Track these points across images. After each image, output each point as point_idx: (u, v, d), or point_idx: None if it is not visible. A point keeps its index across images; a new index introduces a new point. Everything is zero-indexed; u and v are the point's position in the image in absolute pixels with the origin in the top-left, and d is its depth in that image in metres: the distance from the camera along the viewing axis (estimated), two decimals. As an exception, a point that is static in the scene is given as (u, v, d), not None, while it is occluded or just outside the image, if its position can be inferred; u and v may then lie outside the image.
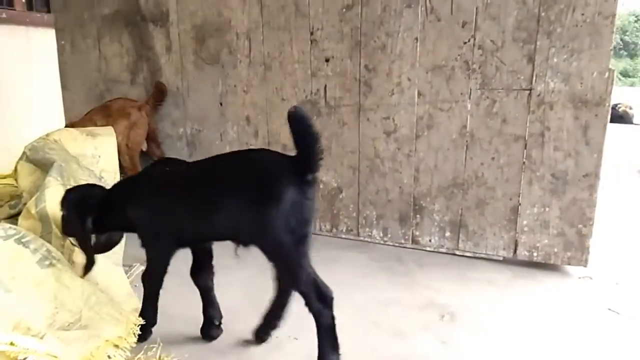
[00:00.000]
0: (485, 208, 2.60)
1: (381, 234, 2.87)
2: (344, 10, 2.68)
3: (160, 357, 1.75)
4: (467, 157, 2.58)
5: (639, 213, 3.59)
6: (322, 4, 2.72)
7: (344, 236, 2.97)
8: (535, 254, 2.55)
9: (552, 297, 2.28)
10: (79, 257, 2.06)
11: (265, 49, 2.92)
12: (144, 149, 3.29)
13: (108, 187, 1.96)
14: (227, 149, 3.10)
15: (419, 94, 2.62)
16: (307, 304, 1.57)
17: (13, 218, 2.44)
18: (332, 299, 1.59)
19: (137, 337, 1.78)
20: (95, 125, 3.00)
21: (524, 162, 2.48)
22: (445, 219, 2.70)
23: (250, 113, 3.06)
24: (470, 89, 2.51)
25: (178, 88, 3.24)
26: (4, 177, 3.33)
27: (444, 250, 2.75)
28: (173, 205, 1.70)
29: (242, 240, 1.63)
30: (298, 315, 2.06)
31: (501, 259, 2.63)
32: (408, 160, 2.71)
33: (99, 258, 2.11)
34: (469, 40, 2.47)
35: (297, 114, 1.48)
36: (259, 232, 1.55)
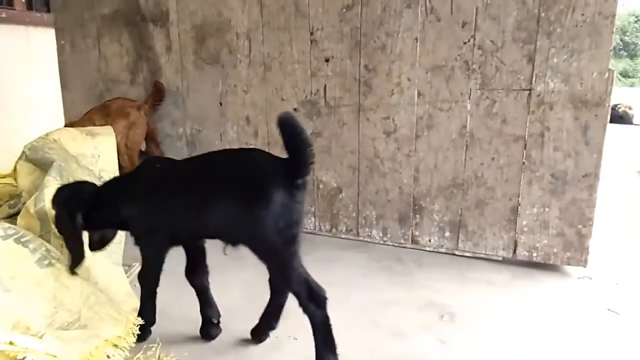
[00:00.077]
0: (485, 208, 2.60)
1: (381, 234, 2.87)
2: (344, 10, 2.68)
3: (159, 356, 1.75)
4: (466, 157, 2.58)
5: (638, 213, 3.59)
6: (322, 4, 2.72)
7: (343, 236, 2.97)
8: (534, 254, 2.55)
9: (551, 297, 2.28)
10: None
11: (265, 49, 2.92)
12: (143, 149, 3.28)
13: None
14: (227, 149, 3.10)
15: (419, 94, 2.62)
16: (300, 304, 1.58)
17: (12, 217, 2.44)
18: (325, 299, 1.59)
19: (137, 337, 1.79)
20: (94, 125, 3.00)
21: (523, 163, 2.48)
22: (444, 219, 2.70)
23: (250, 113, 3.06)
24: (470, 89, 2.51)
25: (178, 88, 3.24)
26: (4, 177, 3.33)
27: (443, 250, 2.74)
28: (165, 203, 1.71)
29: (231, 239, 1.65)
30: (297, 315, 2.06)
31: (501, 259, 2.63)
32: (408, 160, 2.71)
33: (99, 258, 2.11)
34: (468, 41, 2.47)
35: (286, 119, 1.48)
36: (248, 233, 1.56)
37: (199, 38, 3.10)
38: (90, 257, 2.07)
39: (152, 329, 1.90)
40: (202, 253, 1.89)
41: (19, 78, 4.40)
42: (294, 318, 2.02)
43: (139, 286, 1.88)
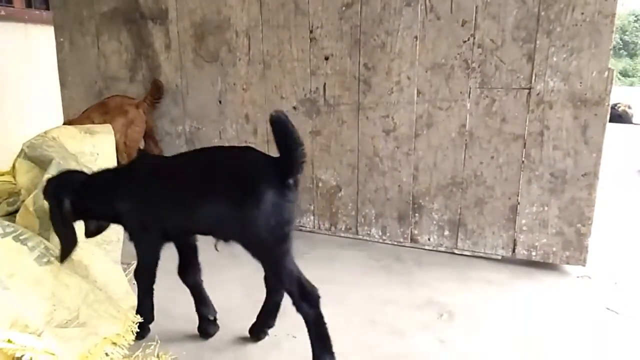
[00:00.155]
0: (484, 207, 2.60)
1: (380, 233, 2.87)
2: (344, 8, 2.68)
3: (158, 354, 1.75)
4: (466, 156, 2.58)
5: (638, 212, 3.59)
6: (322, 2, 2.71)
7: (342, 234, 2.97)
8: (533, 253, 2.55)
9: (550, 296, 2.28)
10: (80, 254, 2.05)
11: (265, 47, 2.92)
12: (142, 147, 3.28)
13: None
14: (226, 147, 3.10)
15: (419, 93, 2.62)
16: (293, 303, 1.60)
17: (11, 215, 2.43)
18: (318, 297, 1.60)
19: (135, 334, 1.79)
20: (93, 122, 2.99)
21: (523, 161, 2.48)
22: (444, 217, 2.70)
23: (250, 111, 3.05)
24: (470, 88, 2.51)
25: (177, 86, 3.24)
26: (2, 175, 3.32)
27: (442, 249, 2.75)
28: (157, 199, 1.71)
29: (223, 236, 1.65)
30: (296, 313, 2.06)
31: (500, 258, 2.63)
32: (407, 158, 2.71)
33: (98, 256, 2.11)
34: (468, 39, 2.47)
35: (279, 118, 1.49)
36: (240, 231, 1.57)
37: (199, 36, 3.09)
38: (89, 256, 2.07)
39: (151, 327, 1.91)
40: (194, 251, 1.90)
41: (18, 75, 4.40)
42: (293, 316, 2.02)
43: (136, 284, 1.88)
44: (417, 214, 2.76)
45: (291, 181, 1.56)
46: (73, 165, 2.38)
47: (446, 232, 2.71)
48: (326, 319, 2.03)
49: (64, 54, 3.59)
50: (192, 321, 1.97)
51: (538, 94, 2.39)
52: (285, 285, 1.60)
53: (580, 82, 2.31)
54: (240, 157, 1.66)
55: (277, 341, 1.87)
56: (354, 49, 2.70)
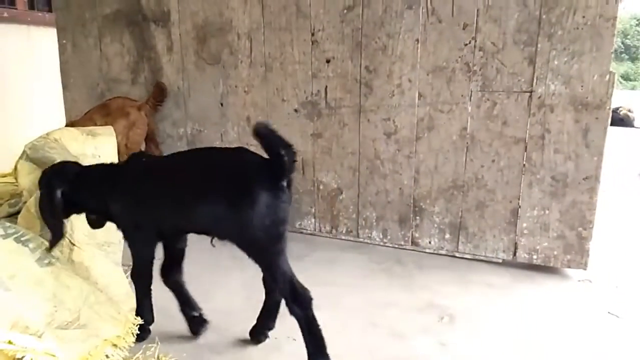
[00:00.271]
0: (485, 210, 2.59)
1: (381, 236, 2.87)
2: (345, 11, 2.69)
3: (158, 356, 1.75)
4: (467, 159, 2.58)
5: (639, 216, 3.58)
6: (323, 5, 2.72)
7: (343, 237, 2.97)
8: (534, 257, 2.54)
9: (551, 300, 2.28)
10: (81, 255, 2.06)
11: (266, 50, 2.92)
12: (143, 149, 3.28)
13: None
14: (228, 149, 3.10)
15: (420, 96, 2.62)
16: (286, 304, 1.61)
17: (13, 216, 2.44)
18: (310, 299, 1.62)
19: (136, 336, 1.78)
20: (95, 124, 2.99)
21: (524, 165, 2.48)
22: (445, 220, 2.70)
23: (251, 113, 3.06)
24: (471, 91, 2.51)
25: (179, 88, 3.25)
26: (4, 176, 3.33)
27: (443, 252, 2.74)
28: (151, 198, 1.72)
29: (218, 235, 1.67)
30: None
31: (501, 261, 2.63)
32: (408, 161, 2.71)
33: (99, 258, 2.11)
34: (469, 42, 2.47)
35: (261, 128, 1.51)
36: (235, 231, 1.58)
37: (200, 38, 3.10)
38: (91, 258, 2.07)
39: (152, 329, 1.91)
40: (181, 253, 1.92)
41: (21, 77, 4.41)
42: (293, 319, 2.02)
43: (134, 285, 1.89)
44: (418, 217, 2.76)
45: (284, 182, 1.58)
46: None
47: (447, 235, 2.71)
48: (326, 322, 2.03)
49: (67, 55, 3.60)
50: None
51: (539, 97, 2.39)
52: (279, 284, 1.62)
53: (582, 86, 2.31)
54: (234, 158, 1.68)
55: (278, 344, 1.87)
56: (356, 52, 2.71)
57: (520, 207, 2.52)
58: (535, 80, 2.38)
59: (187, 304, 1.93)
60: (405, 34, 2.58)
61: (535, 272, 2.53)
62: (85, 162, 2.54)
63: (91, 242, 2.14)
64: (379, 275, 2.52)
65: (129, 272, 2.25)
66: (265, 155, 1.58)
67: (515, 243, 2.57)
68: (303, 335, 1.61)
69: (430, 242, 2.76)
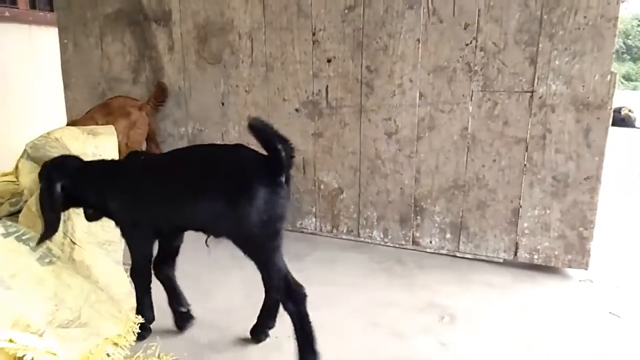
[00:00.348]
0: (486, 210, 2.59)
1: (382, 235, 2.87)
2: (346, 11, 2.69)
3: (159, 355, 1.75)
4: (468, 159, 2.58)
5: (640, 217, 3.58)
6: (325, 4, 2.72)
7: (344, 237, 2.97)
8: (535, 257, 2.54)
9: (552, 299, 2.28)
10: (82, 254, 2.06)
11: (267, 49, 2.93)
12: (144, 149, 3.29)
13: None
14: (229, 149, 3.10)
15: (421, 96, 2.62)
16: (280, 300, 1.64)
17: (14, 216, 2.44)
18: (304, 296, 1.63)
19: (137, 335, 1.79)
20: (96, 123, 2.99)
21: (525, 165, 2.48)
22: (445, 220, 2.70)
23: (252, 113, 3.05)
24: (472, 91, 2.51)
25: (180, 87, 3.25)
26: (5, 175, 3.33)
27: (444, 251, 2.74)
28: (149, 195, 1.73)
29: (214, 232, 1.67)
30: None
31: (502, 261, 2.63)
32: (409, 161, 2.71)
33: (100, 257, 2.11)
34: (471, 42, 2.47)
35: (256, 124, 1.52)
36: (232, 227, 1.59)
37: (202, 38, 3.10)
38: (92, 256, 2.08)
39: (152, 327, 1.91)
40: (177, 250, 1.93)
41: (22, 76, 4.42)
42: (294, 318, 2.02)
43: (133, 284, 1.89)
44: (418, 217, 2.76)
45: (282, 178, 1.58)
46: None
47: (448, 235, 2.71)
48: (327, 321, 2.03)
49: (68, 55, 3.60)
50: (194, 323, 1.97)
51: (540, 97, 2.39)
52: (274, 281, 1.63)
53: (583, 86, 2.31)
54: (232, 155, 1.69)
55: (278, 343, 1.87)
56: (357, 52, 2.71)
57: (521, 207, 2.52)
58: (536, 80, 2.38)
59: (176, 299, 1.95)
60: (407, 34, 2.58)
61: (536, 272, 2.53)
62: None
63: (92, 240, 2.14)
64: (380, 274, 2.52)
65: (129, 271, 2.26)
66: (263, 152, 1.58)
67: (516, 243, 2.57)
68: (295, 330, 1.63)
69: (431, 242, 2.76)
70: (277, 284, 1.62)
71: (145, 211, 1.75)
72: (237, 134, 3.12)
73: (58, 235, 2.01)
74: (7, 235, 1.71)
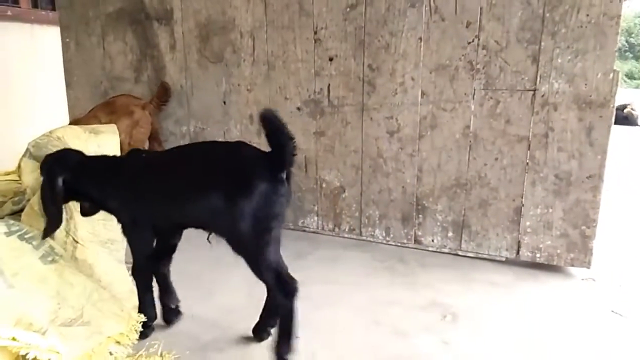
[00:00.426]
0: (488, 209, 2.59)
1: (384, 234, 2.87)
2: (348, 9, 2.68)
3: (161, 353, 1.75)
4: (470, 157, 2.58)
5: (642, 215, 3.57)
6: (326, 3, 2.72)
7: (346, 235, 2.97)
8: (538, 255, 2.54)
9: (554, 298, 2.27)
10: (84, 253, 2.06)
11: (269, 48, 2.92)
12: (146, 148, 3.29)
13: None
14: (230, 148, 3.10)
15: (423, 94, 2.61)
16: (271, 292, 1.66)
17: (16, 214, 2.44)
18: (295, 290, 1.64)
19: (139, 334, 1.79)
20: (100, 122, 3.00)
21: (527, 163, 2.47)
22: (448, 219, 2.70)
23: (254, 112, 3.06)
24: (474, 89, 2.51)
25: (182, 86, 3.25)
26: (8, 174, 3.33)
27: (446, 250, 2.74)
28: (150, 192, 1.73)
29: (214, 229, 1.68)
30: (300, 313, 2.06)
31: (504, 259, 2.62)
32: (411, 160, 2.71)
33: (102, 256, 2.12)
34: (473, 40, 2.46)
35: (268, 115, 1.53)
36: (228, 222, 1.59)
37: (203, 37, 3.10)
38: (94, 255, 2.08)
39: (154, 326, 1.91)
40: (174, 248, 1.93)
41: (24, 75, 4.43)
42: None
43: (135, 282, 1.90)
44: (420, 215, 2.76)
45: (283, 175, 1.59)
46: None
47: (450, 234, 2.71)
48: (329, 320, 2.04)
49: (70, 54, 3.60)
50: (196, 321, 1.98)
51: (543, 96, 2.39)
52: (262, 275, 1.63)
53: (585, 84, 2.30)
54: (233, 152, 1.69)
55: (280, 341, 1.87)
56: (358, 50, 2.70)
57: (523, 205, 2.51)
58: (538, 79, 2.38)
59: (167, 295, 1.97)
60: (408, 32, 2.58)
61: (539, 271, 2.52)
62: (88, 159, 2.55)
63: (95, 239, 2.14)
64: (382, 273, 2.52)
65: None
66: (265, 150, 1.59)
67: (519, 241, 2.56)
68: (280, 320, 1.66)
69: (433, 241, 2.76)
70: (266, 278, 1.63)
71: (145, 208, 1.75)
72: (239, 133, 3.13)
73: (61, 234, 2.01)
74: (9, 233, 1.71)
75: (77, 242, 2.05)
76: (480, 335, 1.96)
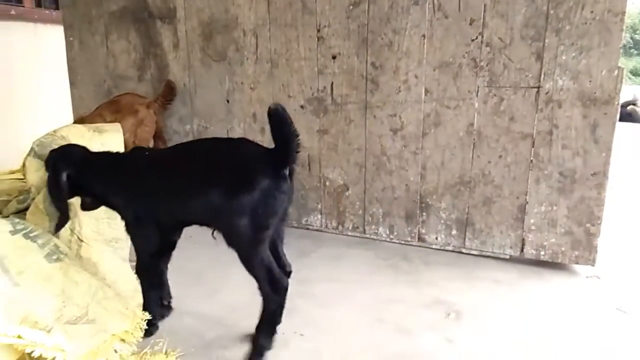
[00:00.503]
0: (492, 206, 2.59)
1: (387, 232, 2.87)
2: (351, 7, 2.68)
3: (166, 351, 1.76)
4: (474, 155, 2.57)
5: (647, 212, 3.56)
6: (329, 0, 2.71)
7: (350, 233, 2.97)
8: (542, 253, 2.53)
9: (559, 296, 2.27)
10: (89, 251, 2.07)
11: (272, 46, 2.92)
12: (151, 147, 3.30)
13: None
14: (234, 146, 3.10)
15: (426, 92, 2.61)
16: (259, 287, 1.65)
17: (21, 213, 2.45)
18: (284, 288, 1.67)
19: (144, 331, 1.79)
20: (105, 120, 3.00)
21: (531, 161, 2.47)
22: (451, 217, 2.69)
23: (257, 110, 3.06)
24: (478, 87, 2.50)
25: (185, 85, 3.25)
26: (13, 172, 3.34)
27: (450, 248, 2.74)
28: (152, 189, 1.74)
29: (216, 225, 1.68)
30: (303, 312, 2.07)
31: (508, 257, 2.62)
32: (415, 157, 2.70)
33: (106, 254, 2.13)
34: (476, 38, 2.46)
35: (277, 110, 1.52)
36: (227, 216, 1.59)
37: (206, 35, 3.11)
38: (98, 253, 2.09)
39: (159, 324, 1.92)
40: (173, 245, 1.93)
41: (28, 74, 4.44)
42: (300, 315, 2.03)
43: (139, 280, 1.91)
44: (424, 213, 2.75)
45: (286, 171, 1.59)
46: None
47: (454, 232, 2.70)
48: (333, 318, 2.04)
49: (73, 53, 3.61)
50: (200, 319, 1.98)
51: (547, 93, 2.38)
52: (253, 270, 1.64)
53: (590, 81, 2.29)
54: (236, 148, 1.69)
55: (285, 339, 1.87)
56: (362, 48, 2.70)
57: (527, 203, 2.51)
58: (542, 76, 2.37)
59: (162, 291, 1.99)
60: (412, 30, 2.57)
61: (543, 269, 2.52)
62: (93, 158, 2.56)
63: (99, 238, 2.15)
64: (386, 271, 2.52)
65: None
66: (268, 147, 1.59)
67: (523, 239, 2.56)
68: (261, 316, 1.69)
69: (436, 238, 2.75)
70: (256, 274, 1.64)
71: (148, 205, 1.75)
72: (242, 131, 3.13)
73: (65, 232, 2.02)
74: (15, 232, 1.72)
75: (81, 240, 2.06)
76: (484, 333, 1.95)
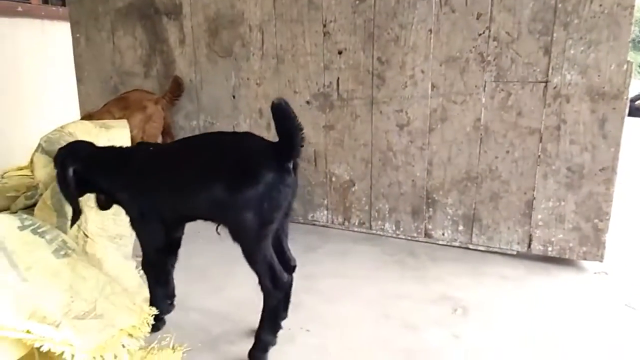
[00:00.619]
0: (499, 202, 2.57)
1: (394, 227, 2.86)
2: (357, 2, 2.66)
3: (173, 346, 1.77)
4: (481, 150, 2.56)
5: (656, 208, 3.52)
6: (336, -5, 2.70)
7: (356, 229, 2.97)
8: (550, 249, 2.52)
9: (566, 292, 2.26)
10: (94, 247, 2.08)
11: (278, 42, 2.92)
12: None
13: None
14: (240, 142, 3.10)
15: (433, 87, 2.60)
16: (259, 282, 1.65)
17: (29, 209, 2.47)
18: (286, 284, 1.68)
19: (151, 327, 1.80)
20: (113, 117, 3.01)
21: (539, 156, 2.45)
22: (458, 212, 2.68)
23: (263, 106, 3.06)
24: (485, 82, 2.48)
25: (191, 81, 3.25)
26: (21, 169, 3.36)
27: (457, 244, 2.73)
28: (157, 184, 1.74)
29: (220, 220, 1.68)
30: (309, 307, 2.07)
31: (515, 253, 2.61)
32: (421, 153, 2.69)
33: (110, 251, 2.14)
34: (483, 32, 2.44)
35: (280, 105, 1.53)
36: (232, 212, 1.59)
37: (212, 31, 3.10)
38: (102, 250, 2.10)
39: (167, 319, 1.93)
40: (178, 242, 1.93)
41: (35, 71, 4.46)
42: (306, 310, 2.03)
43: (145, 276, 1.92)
44: (431, 209, 2.74)
45: (290, 165, 1.59)
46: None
47: (460, 227, 2.70)
48: (340, 313, 2.04)
49: (80, 49, 3.62)
50: (207, 314, 1.99)
51: (555, 88, 2.36)
52: (255, 265, 1.64)
53: (598, 75, 2.27)
54: (239, 142, 1.69)
55: (291, 335, 1.88)
56: (368, 43, 2.69)
57: (535, 198, 2.49)
58: (550, 70, 2.35)
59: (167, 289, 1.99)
60: (418, 25, 2.56)
61: (550, 264, 2.51)
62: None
63: (103, 234, 2.16)
64: (392, 267, 2.52)
65: (139, 263, 2.29)
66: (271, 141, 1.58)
67: (530, 235, 2.54)
68: (263, 312, 1.68)
69: (443, 234, 2.75)
70: (259, 269, 1.64)
71: (153, 200, 1.76)
72: (248, 127, 3.13)
73: (72, 228, 2.03)
74: (23, 228, 1.73)
75: (87, 236, 2.07)
76: (491, 329, 1.95)
